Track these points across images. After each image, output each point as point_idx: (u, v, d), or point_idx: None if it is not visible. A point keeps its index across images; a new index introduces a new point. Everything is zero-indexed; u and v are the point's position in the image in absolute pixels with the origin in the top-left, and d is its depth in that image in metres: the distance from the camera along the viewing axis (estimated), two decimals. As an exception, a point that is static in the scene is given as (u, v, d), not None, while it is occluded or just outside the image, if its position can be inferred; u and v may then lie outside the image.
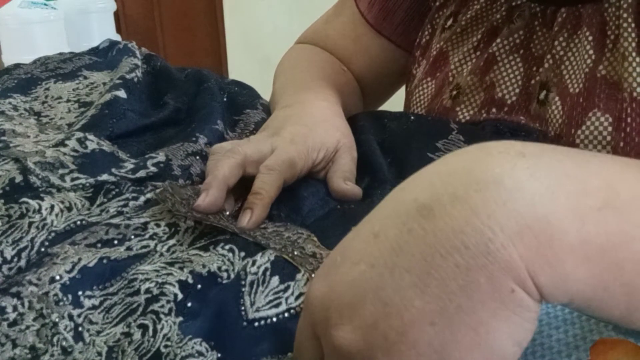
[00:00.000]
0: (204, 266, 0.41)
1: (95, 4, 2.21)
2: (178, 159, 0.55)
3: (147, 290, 0.40)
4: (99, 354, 0.38)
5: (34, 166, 0.50)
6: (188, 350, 0.37)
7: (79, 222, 0.47)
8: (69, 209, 0.48)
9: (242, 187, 0.52)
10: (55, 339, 0.39)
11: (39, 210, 0.47)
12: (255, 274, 0.42)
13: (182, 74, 0.73)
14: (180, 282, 0.40)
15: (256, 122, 0.66)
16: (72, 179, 0.50)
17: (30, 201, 0.47)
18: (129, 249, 0.44)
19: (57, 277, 0.41)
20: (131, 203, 0.49)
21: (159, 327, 0.38)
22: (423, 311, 0.29)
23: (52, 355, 0.38)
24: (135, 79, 0.67)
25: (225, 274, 0.41)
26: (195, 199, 0.48)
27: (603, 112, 0.57)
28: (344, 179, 0.55)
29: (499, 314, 0.28)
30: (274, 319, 0.40)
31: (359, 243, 0.32)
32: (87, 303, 0.41)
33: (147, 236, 0.45)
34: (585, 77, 0.59)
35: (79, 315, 0.40)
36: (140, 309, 0.39)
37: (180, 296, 0.39)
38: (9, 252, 0.44)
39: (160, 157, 0.54)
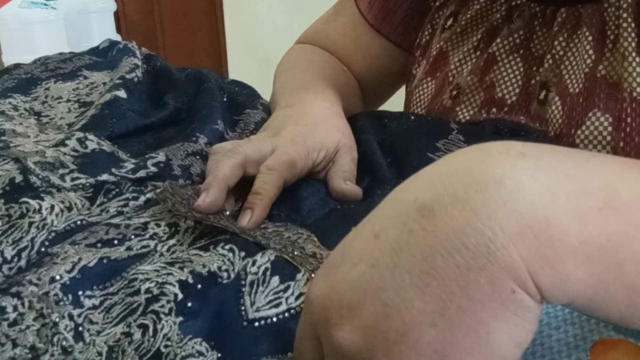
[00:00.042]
0: (204, 266, 0.41)
1: (95, 4, 2.21)
2: (178, 159, 0.55)
3: (147, 290, 0.40)
4: (99, 353, 0.38)
5: (34, 166, 0.50)
6: (188, 350, 0.37)
7: (79, 222, 0.47)
8: (69, 208, 0.48)
9: (242, 187, 0.52)
10: (55, 339, 0.39)
11: (39, 210, 0.47)
12: (256, 274, 0.42)
13: (182, 74, 0.73)
14: (180, 282, 0.40)
15: (256, 122, 0.66)
16: (72, 179, 0.50)
17: (31, 201, 0.47)
18: (129, 248, 0.44)
19: (57, 277, 0.41)
20: (131, 203, 0.49)
21: (159, 327, 0.38)
22: (423, 312, 0.29)
23: (52, 355, 0.38)
24: (135, 79, 0.67)
25: (225, 274, 0.41)
26: (196, 199, 0.48)
27: (603, 112, 0.57)
28: (344, 179, 0.55)
29: (500, 314, 0.28)
30: (274, 319, 0.40)
31: (359, 243, 0.32)
32: (87, 303, 0.41)
33: (147, 236, 0.45)
34: (585, 77, 0.59)
35: (79, 315, 0.40)
36: (141, 308, 0.39)
37: (180, 296, 0.39)
38: (9, 252, 0.44)
39: (161, 157, 0.54)
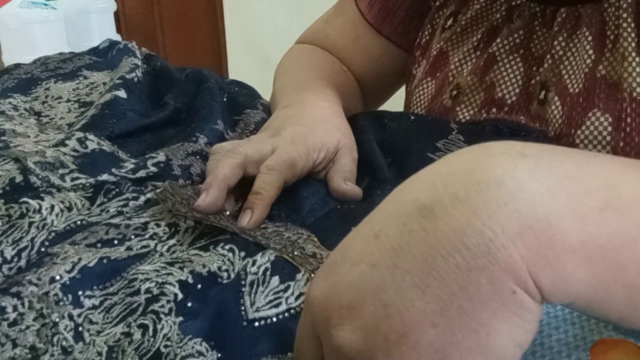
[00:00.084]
0: (204, 266, 0.41)
1: (95, 4, 2.21)
2: (178, 159, 0.55)
3: (147, 290, 0.40)
4: (99, 353, 0.38)
5: (34, 166, 0.50)
6: (188, 350, 0.37)
7: (79, 222, 0.47)
8: (69, 208, 0.48)
9: (242, 187, 0.52)
10: (55, 339, 0.39)
11: (39, 210, 0.47)
12: (256, 274, 0.42)
13: (182, 74, 0.73)
14: (180, 282, 0.40)
15: (256, 122, 0.66)
16: (72, 179, 0.50)
17: (31, 201, 0.47)
18: (129, 248, 0.44)
19: (57, 277, 0.41)
20: (131, 203, 0.49)
21: (159, 327, 0.38)
22: (424, 312, 0.29)
23: (52, 355, 0.38)
24: (136, 79, 0.67)
25: (225, 274, 0.41)
26: (196, 198, 0.48)
27: (603, 112, 0.57)
28: (344, 179, 0.55)
29: (500, 315, 0.28)
30: (274, 319, 0.40)
31: (360, 243, 0.32)
32: (87, 303, 0.41)
33: (147, 236, 0.45)
34: (585, 77, 0.59)
35: (79, 315, 0.40)
36: (141, 308, 0.39)
37: (180, 296, 0.39)
38: (9, 252, 0.44)
39: (161, 157, 0.54)
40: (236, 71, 2.63)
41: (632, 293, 0.30)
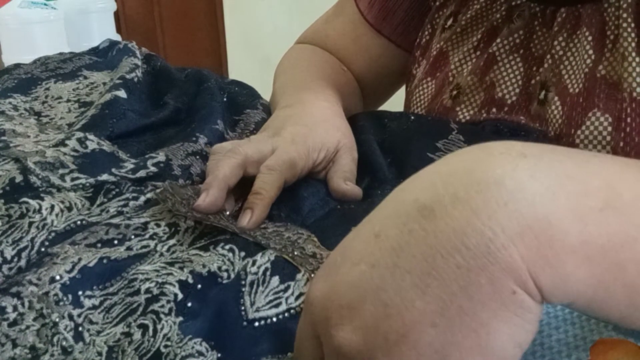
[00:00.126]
0: (204, 266, 0.41)
1: (95, 4, 2.21)
2: (178, 159, 0.55)
3: (147, 290, 0.40)
4: (99, 353, 0.38)
5: (34, 166, 0.50)
6: (188, 350, 0.37)
7: (79, 222, 0.47)
8: (69, 208, 0.48)
9: (242, 187, 0.52)
10: (55, 339, 0.39)
11: (39, 210, 0.47)
12: (256, 274, 0.42)
13: (182, 74, 0.73)
14: (180, 282, 0.40)
15: (256, 122, 0.66)
16: (72, 179, 0.50)
17: (31, 201, 0.47)
18: (129, 248, 0.44)
19: (57, 277, 0.41)
20: (131, 203, 0.49)
21: (159, 327, 0.38)
22: (424, 312, 0.29)
23: (52, 355, 0.38)
24: (135, 79, 0.67)
25: (225, 274, 0.41)
26: (196, 198, 0.48)
27: (603, 112, 0.57)
28: (344, 179, 0.55)
29: (500, 315, 0.28)
30: (274, 319, 0.40)
31: (360, 243, 0.32)
32: (87, 303, 0.41)
33: (147, 236, 0.45)
34: (585, 77, 0.59)
35: (79, 315, 0.40)
36: (141, 308, 0.39)
37: (180, 296, 0.39)
38: (9, 252, 0.44)
39: (160, 157, 0.54)
40: (236, 71, 2.63)
41: (632, 293, 0.30)
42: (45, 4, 2.00)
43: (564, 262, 0.29)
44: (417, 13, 0.76)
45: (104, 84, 0.69)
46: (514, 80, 0.65)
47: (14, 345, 0.39)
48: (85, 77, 0.70)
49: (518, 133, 0.61)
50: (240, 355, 0.39)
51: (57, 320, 0.39)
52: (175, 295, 0.39)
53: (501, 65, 0.66)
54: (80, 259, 0.42)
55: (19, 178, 0.50)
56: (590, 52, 0.59)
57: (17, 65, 0.74)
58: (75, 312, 0.40)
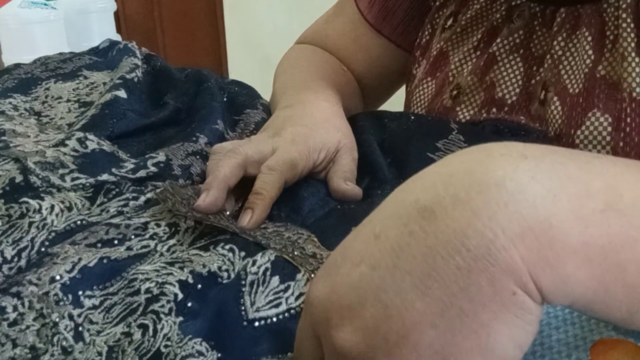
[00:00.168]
0: (204, 266, 0.41)
1: (95, 4, 2.21)
2: (178, 159, 0.55)
3: (147, 290, 0.40)
4: (99, 353, 0.38)
5: (34, 166, 0.50)
6: (188, 350, 0.37)
7: (79, 222, 0.47)
8: (69, 208, 0.48)
9: (242, 187, 0.52)
10: (55, 339, 0.39)
11: (39, 210, 0.47)
12: (256, 274, 0.42)
13: (182, 74, 0.73)
14: (180, 282, 0.40)
15: (256, 122, 0.66)
16: (72, 179, 0.50)
17: (31, 201, 0.47)
18: (129, 248, 0.44)
19: (58, 277, 0.41)
20: (131, 203, 0.49)
21: (159, 327, 0.38)
22: (424, 313, 0.29)
23: (52, 355, 0.38)
24: (136, 79, 0.67)
25: (225, 274, 0.41)
26: (196, 199, 0.48)
27: (602, 112, 0.57)
28: (344, 179, 0.55)
29: (500, 316, 0.28)
30: (274, 319, 0.40)
31: (360, 244, 0.32)
32: (87, 303, 0.41)
33: (147, 236, 0.45)
34: (585, 77, 0.59)
35: (79, 315, 0.40)
36: (141, 308, 0.39)
37: (180, 296, 0.39)
38: (9, 252, 0.44)
39: (161, 157, 0.54)
40: (236, 71, 2.63)
41: (632, 294, 0.30)
42: (45, 4, 2.00)
43: (564, 264, 0.29)
44: (417, 13, 0.76)
45: (104, 84, 0.69)
46: (514, 80, 0.65)
47: (14, 345, 0.39)
48: (85, 77, 0.70)
49: (518, 133, 0.61)
50: (240, 355, 0.39)
51: (57, 320, 0.39)
52: (175, 295, 0.39)
53: (501, 65, 0.66)
54: (80, 259, 0.42)
55: (19, 178, 0.50)
56: (590, 52, 0.59)
57: (17, 65, 0.74)
58: (75, 312, 0.40)
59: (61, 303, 0.40)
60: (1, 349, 0.38)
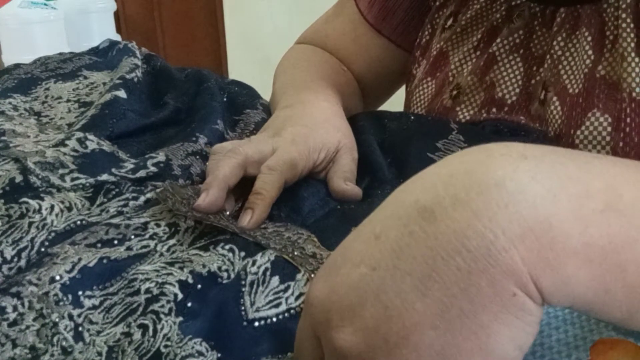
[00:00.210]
0: (204, 266, 0.41)
1: (95, 4, 2.21)
2: (178, 159, 0.55)
3: (147, 290, 0.40)
4: (99, 353, 0.38)
5: (34, 166, 0.50)
6: (188, 350, 0.37)
7: (79, 222, 0.47)
8: (69, 209, 0.48)
9: (242, 188, 0.52)
10: (55, 339, 0.39)
11: (39, 210, 0.47)
12: (256, 274, 0.42)
13: (182, 74, 0.73)
14: (180, 282, 0.40)
15: (256, 122, 0.66)
16: (72, 179, 0.50)
17: (30, 201, 0.47)
18: (129, 248, 0.44)
19: (57, 277, 0.41)
20: (131, 203, 0.49)
21: (159, 327, 0.38)
22: (424, 314, 0.29)
23: (52, 355, 0.38)
24: (135, 79, 0.67)
25: (225, 274, 0.41)
26: (196, 198, 0.48)
27: (602, 112, 0.57)
28: (344, 179, 0.55)
29: (501, 317, 0.28)
30: (274, 319, 0.40)
31: (360, 244, 0.32)
32: (87, 303, 0.41)
33: (147, 236, 0.45)
34: (585, 77, 0.59)
35: (79, 315, 0.40)
36: (141, 308, 0.39)
37: (180, 296, 0.39)
38: (9, 252, 0.44)
39: (160, 157, 0.54)
40: (236, 71, 2.63)
41: (632, 294, 0.30)
42: (45, 4, 2.00)
43: (565, 264, 0.29)
44: (417, 13, 0.76)
45: (104, 84, 0.69)
46: (514, 80, 0.65)
47: (14, 345, 0.39)
48: (85, 77, 0.70)
49: (518, 133, 0.61)
50: (240, 355, 0.39)
51: (57, 320, 0.39)
52: (175, 295, 0.39)
53: (501, 65, 0.66)
54: (80, 259, 0.42)
55: (19, 178, 0.50)
56: (590, 52, 0.59)
57: (17, 65, 0.74)
58: (75, 312, 0.40)
59: (61, 303, 0.40)
60: (1, 349, 0.38)
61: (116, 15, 2.35)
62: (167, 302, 0.39)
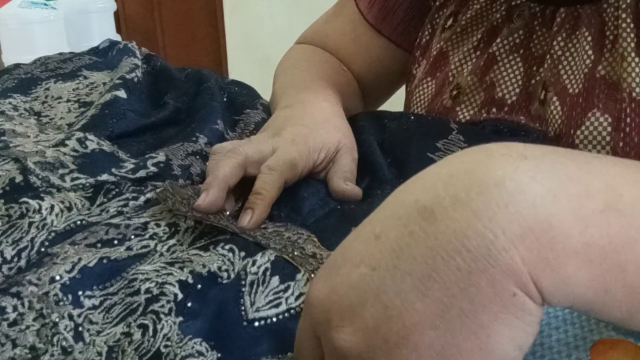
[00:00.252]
0: (204, 266, 0.41)
1: (95, 4, 2.21)
2: (178, 159, 0.55)
3: (147, 290, 0.40)
4: (99, 353, 0.38)
5: (34, 166, 0.50)
6: (188, 350, 0.37)
7: (79, 222, 0.47)
8: (69, 209, 0.48)
9: (243, 188, 0.52)
10: (55, 339, 0.39)
11: (39, 210, 0.47)
12: (256, 274, 0.42)
13: (182, 74, 0.73)
14: (180, 282, 0.40)
15: (256, 122, 0.66)
16: (72, 179, 0.50)
17: (30, 201, 0.47)
18: (129, 248, 0.44)
19: (57, 277, 0.41)
20: (131, 203, 0.49)
21: (159, 327, 0.38)
22: (424, 314, 0.29)
23: (52, 355, 0.38)
24: (135, 79, 0.67)
25: (225, 274, 0.41)
26: (196, 198, 0.48)
27: (602, 112, 0.57)
28: (344, 179, 0.55)
29: (501, 317, 0.28)
30: (274, 319, 0.40)
31: (360, 244, 0.32)
32: (87, 303, 0.41)
33: (147, 236, 0.45)
34: (585, 77, 0.59)
35: (79, 315, 0.40)
36: (141, 308, 0.39)
37: (180, 296, 0.39)
38: (9, 252, 0.44)
39: (160, 157, 0.54)
40: (236, 71, 2.63)
41: (632, 294, 0.30)
42: (45, 4, 2.00)
43: (565, 265, 0.29)
44: (417, 13, 0.76)
45: (104, 84, 0.69)
46: (514, 80, 0.65)
47: (14, 345, 0.39)
48: (85, 77, 0.70)
49: (518, 133, 0.61)
50: (240, 355, 0.39)
51: (57, 320, 0.39)
52: (175, 295, 0.39)
53: (501, 65, 0.66)
54: (80, 259, 0.42)
55: (19, 178, 0.50)
56: (590, 52, 0.59)
57: (17, 65, 0.74)
58: (75, 312, 0.40)
59: (61, 303, 0.40)
60: (1, 349, 0.38)
61: (116, 15, 2.35)
62: (167, 302, 0.39)
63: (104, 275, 0.42)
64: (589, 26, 0.59)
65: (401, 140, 0.61)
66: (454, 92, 0.68)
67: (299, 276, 0.42)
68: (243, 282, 0.41)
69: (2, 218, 0.47)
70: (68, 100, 0.66)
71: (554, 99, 0.61)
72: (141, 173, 0.52)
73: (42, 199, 0.48)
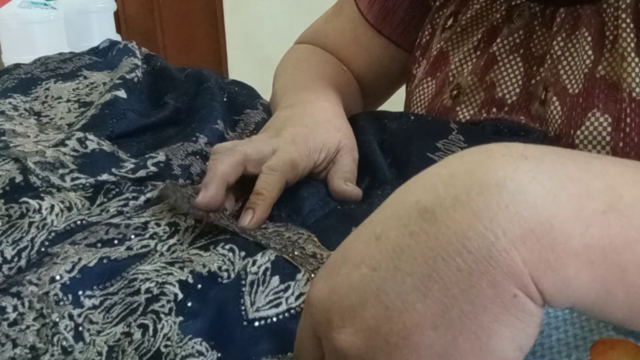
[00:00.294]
0: (204, 266, 0.41)
1: (95, 4, 2.21)
2: (178, 159, 0.55)
3: (148, 290, 0.40)
4: (99, 353, 0.38)
5: (34, 166, 0.50)
6: (188, 350, 0.37)
7: (79, 222, 0.47)
8: (69, 208, 0.48)
9: (243, 188, 0.52)
10: (55, 339, 0.39)
11: (39, 210, 0.47)
12: (256, 273, 0.42)
13: (182, 74, 0.73)
14: (180, 281, 0.40)
15: (256, 122, 0.66)
16: (72, 179, 0.50)
17: (31, 201, 0.47)
18: (129, 248, 0.44)
19: (58, 277, 0.41)
20: (131, 203, 0.49)
21: (159, 326, 0.38)
22: (425, 315, 0.29)
23: (52, 355, 0.38)
24: (135, 79, 0.67)
25: (225, 274, 0.41)
26: (196, 197, 0.48)
27: (602, 112, 0.57)
28: (344, 179, 0.55)
29: (501, 318, 0.28)
30: (274, 319, 0.40)
31: (360, 245, 0.32)
32: (88, 303, 0.41)
33: (147, 236, 0.45)
34: (585, 77, 0.59)
35: (79, 315, 0.40)
36: (141, 308, 0.39)
37: (180, 296, 0.39)
38: (9, 252, 0.44)
39: (160, 156, 0.54)
40: (236, 71, 2.63)
41: (633, 295, 0.30)
42: (45, 4, 2.00)
43: (566, 266, 0.28)
44: (417, 13, 0.76)
45: (104, 84, 0.69)
46: (514, 80, 0.65)
47: (14, 345, 0.39)
48: (85, 77, 0.70)
49: (518, 133, 0.61)
50: (240, 355, 0.39)
51: (57, 320, 0.39)
52: (176, 295, 0.39)
53: (501, 65, 0.66)
54: (80, 259, 0.42)
55: (19, 178, 0.50)
56: (590, 52, 0.59)
57: (17, 65, 0.74)
58: (75, 312, 0.40)
59: (61, 303, 0.40)
60: (1, 349, 0.38)
61: (116, 15, 2.35)
62: (167, 302, 0.39)
63: (104, 275, 0.42)
64: (589, 26, 0.59)
65: (401, 141, 0.61)
66: (454, 92, 0.68)
67: (299, 276, 0.42)
68: (243, 282, 0.41)
69: (2, 218, 0.47)
70: (68, 100, 0.66)
71: (554, 99, 0.61)
72: (141, 173, 0.52)
73: (42, 199, 0.48)
